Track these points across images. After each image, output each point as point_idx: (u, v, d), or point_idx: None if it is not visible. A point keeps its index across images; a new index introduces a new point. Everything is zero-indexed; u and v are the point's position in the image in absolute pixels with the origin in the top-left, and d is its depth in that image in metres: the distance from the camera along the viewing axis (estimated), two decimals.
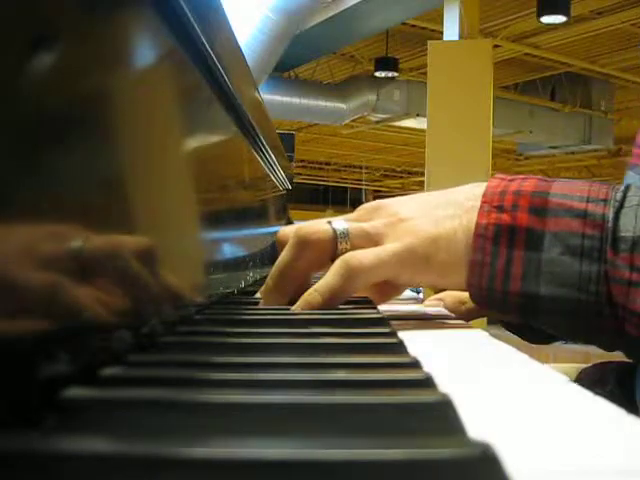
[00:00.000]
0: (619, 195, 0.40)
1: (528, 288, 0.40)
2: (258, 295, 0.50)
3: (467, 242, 0.42)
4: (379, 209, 0.46)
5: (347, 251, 0.44)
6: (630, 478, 0.15)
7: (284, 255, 0.46)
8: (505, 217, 0.41)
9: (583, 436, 0.18)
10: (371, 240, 0.44)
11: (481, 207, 0.42)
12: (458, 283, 0.44)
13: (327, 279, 0.43)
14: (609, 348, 0.42)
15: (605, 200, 0.40)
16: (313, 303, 0.43)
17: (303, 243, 0.45)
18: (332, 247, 0.44)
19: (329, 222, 0.45)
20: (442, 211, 0.44)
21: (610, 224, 0.39)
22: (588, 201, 0.40)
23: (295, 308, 0.43)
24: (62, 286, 0.21)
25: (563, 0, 5.05)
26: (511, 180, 0.43)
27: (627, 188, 0.40)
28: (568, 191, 0.41)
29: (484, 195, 0.43)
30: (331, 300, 0.43)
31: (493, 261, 0.41)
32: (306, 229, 0.46)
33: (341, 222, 0.45)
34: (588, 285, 0.39)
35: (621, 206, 0.40)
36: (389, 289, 0.49)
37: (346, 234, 0.44)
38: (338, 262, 0.43)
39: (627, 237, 0.38)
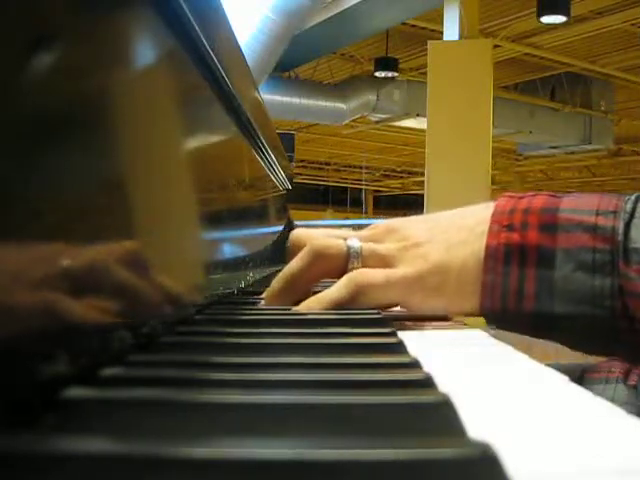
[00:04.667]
0: (629, 206, 0.40)
1: (542, 307, 0.40)
2: (262, 296, 0.50)
3: (478, 269, 0.42)
4: (392, 232, 0.46)
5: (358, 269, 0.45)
6: (630, 478, 0.15)
7: (295, 263, 0.46)
8: (515, 236, 0.41)
9: (583, 436, 0.18)
10: (382, 262, 0.44)
11: (490, 227, 0.42)
12: (469, 309, 0.44)
13: (331, 291, 0.43)
14: (628, 360, 0.41)
15: (615, 212, 0.40)
16: (312, 310, 0.43)
17: (316, 256, 0.45)
18: (343, 264, 0.45)
19: (344, 239, 0.46)
20: (454, 236, 0.44)
21: (620, 237, 0.39)
22: (598, 214, 0.40)
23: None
24: (62, 286, 0.21)
25: (563, 0, 5.05)
26: (520, 198, 0.43)
27: (638, 198, 0.40)
28: (577, 205, 0.41)
29: (493, 215, 0.42)
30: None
31: (505, 281, 0.41)
32: (321, 243, 0.46)
33: (355, 241, 0.45)
34: (603, 300, 0.38)
35: (631, 217, 0.39)
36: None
37: (358, 253, 0.44)
38: (346, 277, 0.43)
39: (639, 248, 0.38)
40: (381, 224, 0.48)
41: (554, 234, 0.40)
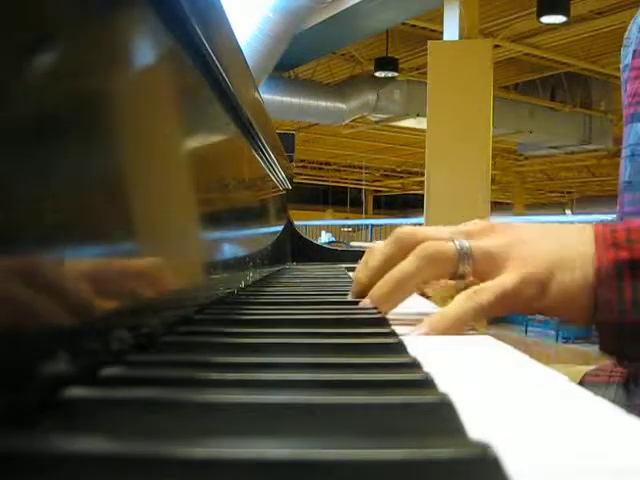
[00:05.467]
0: None
1: None
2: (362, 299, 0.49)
3: (586, 277, 0.43)
4: (496, 229, 0.47)
5: (468, 272, 0.45)
6: (629, 478, 0.15)
7: (407, 267, 0.46)
8: (623, 253, 0.43)
9: (583, 436, 0.18)
10: (493, 261, 0.45)
11: (597, 247, 0.43)
12: (579, 320, 0.45)
13: (459, 309, 0.43)
14: None
15: None
16: (438, 328, 0.42)
17: (429, 260, 0.46)
18: (454, 266, 0.45)
19: (452, 239, 0.46)
20: (561, 240, 0.45)
21: None
22: None
23: (418, 330, 0.42)
24: (62, 286, 0.21)
25: (563, 0, 5.05)
26: (614, 224, 0.45)
27: None
28: None
29: (596, 237, 0.44)
30: (455, 328, 0.43)
31: (620, 297, 0.42)
32: (432, 246, 0.46)
33: (464, 241, 0.46)
34: None
35: None
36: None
37: (469, 255, 0.45)
38: (464, 295, 0.43)
39: None
40: (480, 222, 0.49)
41: None
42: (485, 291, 0.43)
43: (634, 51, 0.65)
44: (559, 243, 0.45)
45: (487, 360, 0.32)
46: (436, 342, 0.37)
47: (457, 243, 0.46)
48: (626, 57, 0.68)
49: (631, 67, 0.66)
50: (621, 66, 0.69)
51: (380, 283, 0.47)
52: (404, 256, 0.46)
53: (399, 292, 0.46)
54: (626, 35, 0.69)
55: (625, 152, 0.65)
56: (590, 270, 0.43)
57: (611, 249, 0.43)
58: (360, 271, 0.51)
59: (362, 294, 0.49)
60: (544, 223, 0.49)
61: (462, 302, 0.43)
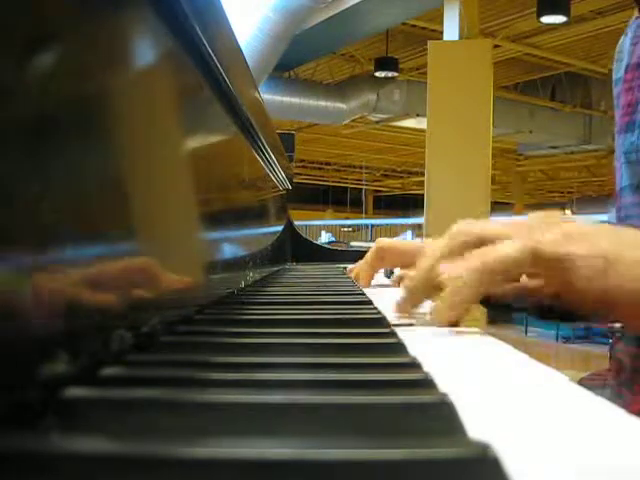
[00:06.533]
0: None
1: None
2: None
3: None
4: (570, 237, 0.41)
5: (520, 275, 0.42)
6: (629, 477, 0.15)
7: (475, 282, 0.41)
8: None
9: (583, 436, 0.18)
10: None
11: None
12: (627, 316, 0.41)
13: (507, 250, 0.40)
14: None
15: None
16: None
17: (493, 273, 0.42)
18: (514, 272, 0.42)
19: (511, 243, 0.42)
20: (625, 241, 0.41)
21: None
22: None
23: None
24: (62, 286, 0.21)
25: (563, 0, 5.05)
26: None
27: None
28: None
29: None
30: (505, 273, 0.40)
31: None
32: (496, 265, 0.41)
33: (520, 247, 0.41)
34: None
35: None
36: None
37: (524, 261, 0.41)
38: (521, 243, 0.40)
39: None
40: (542, 218, 0.44)
41: None
42: (548, 242, 0.39)
43: (627, 65, 0.65)
44: (628, 243, 0.40)
45: (487, 360, 0.32)
46: (436, 342, 0.37)
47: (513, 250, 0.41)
48: (618, 71, 0.67)
49: (623, 80, 0.65)
50: (613, 78, 0.69)
51: (445, 300, 0.43)
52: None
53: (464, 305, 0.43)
54: (618, 49, 0.68)
55: (620, 159, 0.65)
56: None
57: None
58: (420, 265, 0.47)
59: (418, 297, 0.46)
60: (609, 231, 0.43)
61: (519, 246, 0.40)
